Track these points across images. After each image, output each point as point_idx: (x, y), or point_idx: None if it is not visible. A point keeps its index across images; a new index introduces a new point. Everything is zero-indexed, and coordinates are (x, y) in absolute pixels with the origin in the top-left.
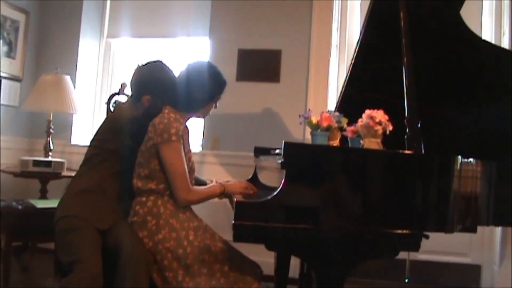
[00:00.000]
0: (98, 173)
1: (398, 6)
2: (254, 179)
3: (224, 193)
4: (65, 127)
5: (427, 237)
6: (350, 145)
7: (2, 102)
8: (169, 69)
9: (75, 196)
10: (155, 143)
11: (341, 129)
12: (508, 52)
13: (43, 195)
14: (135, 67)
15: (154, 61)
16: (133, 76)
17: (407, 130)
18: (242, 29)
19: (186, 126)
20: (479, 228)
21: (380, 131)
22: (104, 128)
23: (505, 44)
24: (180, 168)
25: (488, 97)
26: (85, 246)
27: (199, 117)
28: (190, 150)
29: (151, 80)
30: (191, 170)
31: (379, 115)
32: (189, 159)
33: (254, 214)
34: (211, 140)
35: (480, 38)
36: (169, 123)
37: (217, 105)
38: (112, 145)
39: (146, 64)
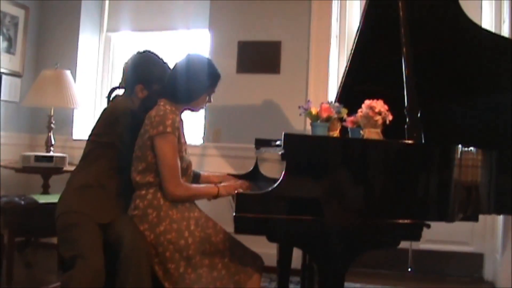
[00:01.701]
0: (96, 168)
1: None
2: (255, 171)
3: (217, 197)
4: (66, 122)
5: (428, 226)
6: (350, 135)
7: (2, 98)
8: (158, 57)
9: (75, 192)
10: (150, 135)
11: (341, 119)
12: (508, 41)
13: (45, 190)
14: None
15: (142, 51)
16: (123, 69)
17: (407, 119)
18: (242, 21)
19: (181, 118)
20: (481, 217)
21: (380, 121)
22: (100, 122)
23: (505, 32)
24: (171, 161)
25: (489, 87)
26: (86, 241)
27: (192, 110)
28: (185, 141)
29: (139, 69)
30: (188, 162)
31: (379, 105)
32: (184, 151)
33: (255, 206)
34: (212, 132)
35: (481, 27)
36: (165, 115)
37: (211, 99)
38: (108, 139)
39: (134, 54)
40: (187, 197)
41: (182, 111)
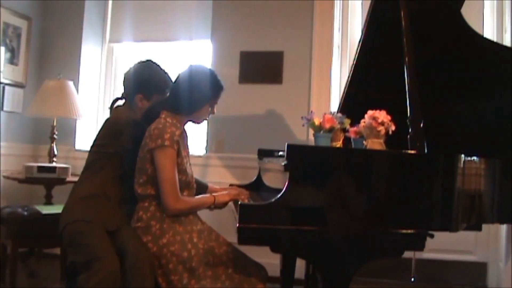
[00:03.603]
0: (100, 179)
1: (399, 5)
2: (258, 181)
3: (214, 205)
4: (69, 132)
5: (432, 236)
6: (353, 146)
7: (5, 109)
8: (159, 67)
9: (79, 202)
10: (149, 148)
11: (344, 130)
12: (510, 50)
13: (48, 201)
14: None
15: (144, 61)
16: (124, 79)
17: (410, 129)
18: (244, 32)
19: (184, 130)
20: (484, 226)
21: (383, 132)
22: (102, 132)
23: (507, 41)
24: (169, 174)
25: (491, 94)
26: (100, 245)
27: (195, 121)
28: (188, 154)
29: (139, 78)
30: (190, 175)
31: (382, 115)
32: (187, 163)
33: (258, 216)
34: (215, 142)
35: (481, 36)
36: (164, 128)
37: (215, 110)
38: (111, 149)
39: (136, 64)
40: (186, 210)
41: (184, 123)
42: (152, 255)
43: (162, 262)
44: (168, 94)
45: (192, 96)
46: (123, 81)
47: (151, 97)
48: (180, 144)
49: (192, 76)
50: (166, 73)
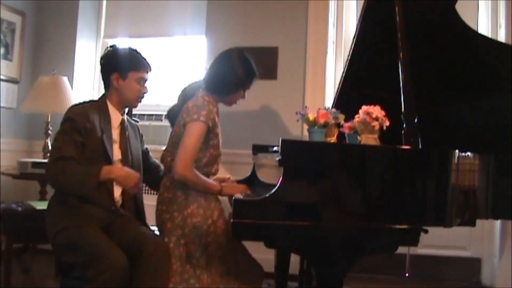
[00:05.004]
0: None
1: (394, 1)
2: (252, 177)
3: (220, 195)
4: None
5: (426, 231)
6: (347, 141)
7: (0, 104)
8: (136, 51)
9: (62, 206)
10: (185, 122)
11: (338, 125)
12: (505, 46)
13: (43, 197)
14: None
15: (111, 45)
16: (101, 63)
17: (404, 125)
18: (239, 27)
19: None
20: (478, 222)
21: (377, 127)
22: None
23: (501, 37)
24: (191, 144)
25: (486, 91)
26: (101, 243)
27: (226, 103)
28: (220, 131)
29: (113, 57)
30: (219, 154)
31: (376, 111)
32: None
33: (253, 212)
34: None
35: (476, 32)
36: (202, 106)
37: (245, 95)
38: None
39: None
40: (192, 181)
41: (217, 103)
42: (175, 228)
43: (185, 232)
44: (205, 74)
45: (227, 80)
46: (101, 68)
47: (126, 75)
48: (217, 121)
49: (225, 62)
50: (134, 50)
